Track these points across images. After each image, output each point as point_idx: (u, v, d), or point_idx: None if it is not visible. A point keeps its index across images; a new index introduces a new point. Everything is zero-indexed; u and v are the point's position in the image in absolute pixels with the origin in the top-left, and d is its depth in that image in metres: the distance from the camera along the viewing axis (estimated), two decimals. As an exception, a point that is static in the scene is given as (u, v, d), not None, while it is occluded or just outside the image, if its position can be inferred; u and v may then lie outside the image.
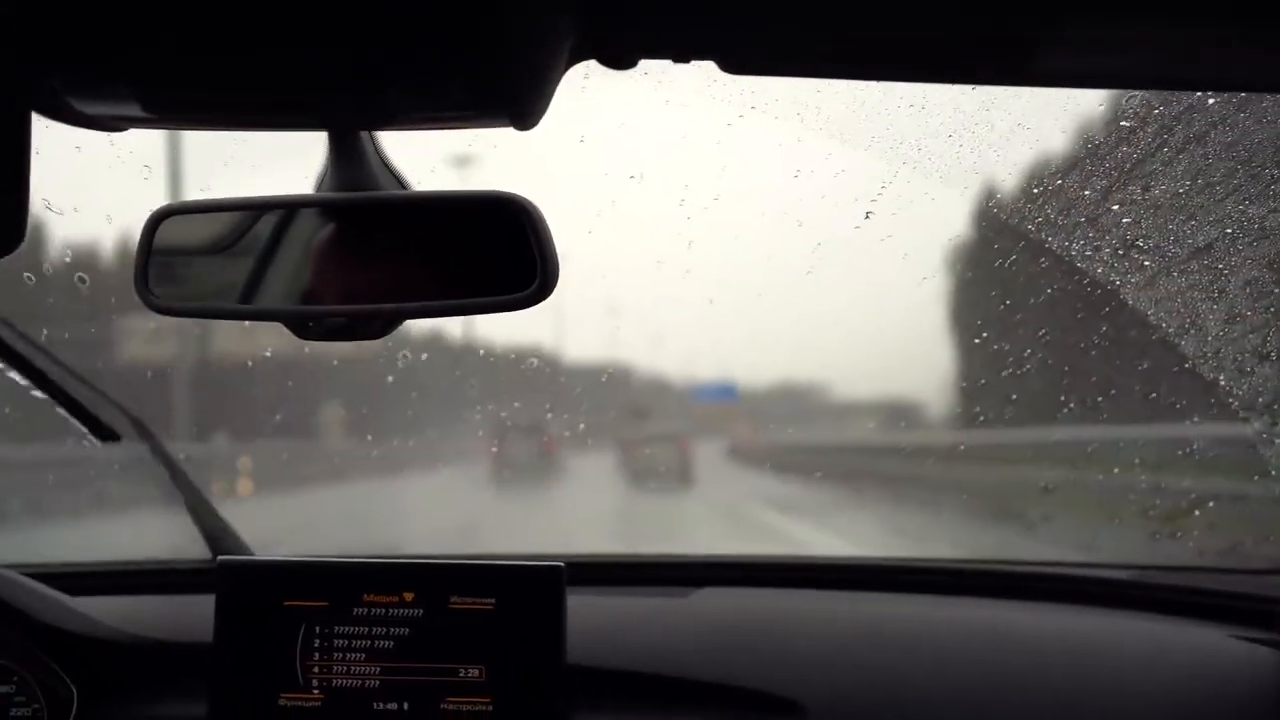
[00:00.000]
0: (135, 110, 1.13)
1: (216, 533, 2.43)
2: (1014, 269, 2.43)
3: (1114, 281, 2.08)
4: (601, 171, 2.49)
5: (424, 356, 4.10)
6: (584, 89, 1.38)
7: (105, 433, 2.35)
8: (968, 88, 1.56)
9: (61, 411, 2.32)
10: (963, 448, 6.61)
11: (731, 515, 12.30)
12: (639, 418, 15.01)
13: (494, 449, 12.79)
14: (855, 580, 2.37)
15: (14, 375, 2.24)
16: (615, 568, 2.44)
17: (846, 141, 1.89)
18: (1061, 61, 1.21)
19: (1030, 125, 1.80)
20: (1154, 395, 2.63)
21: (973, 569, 2.39)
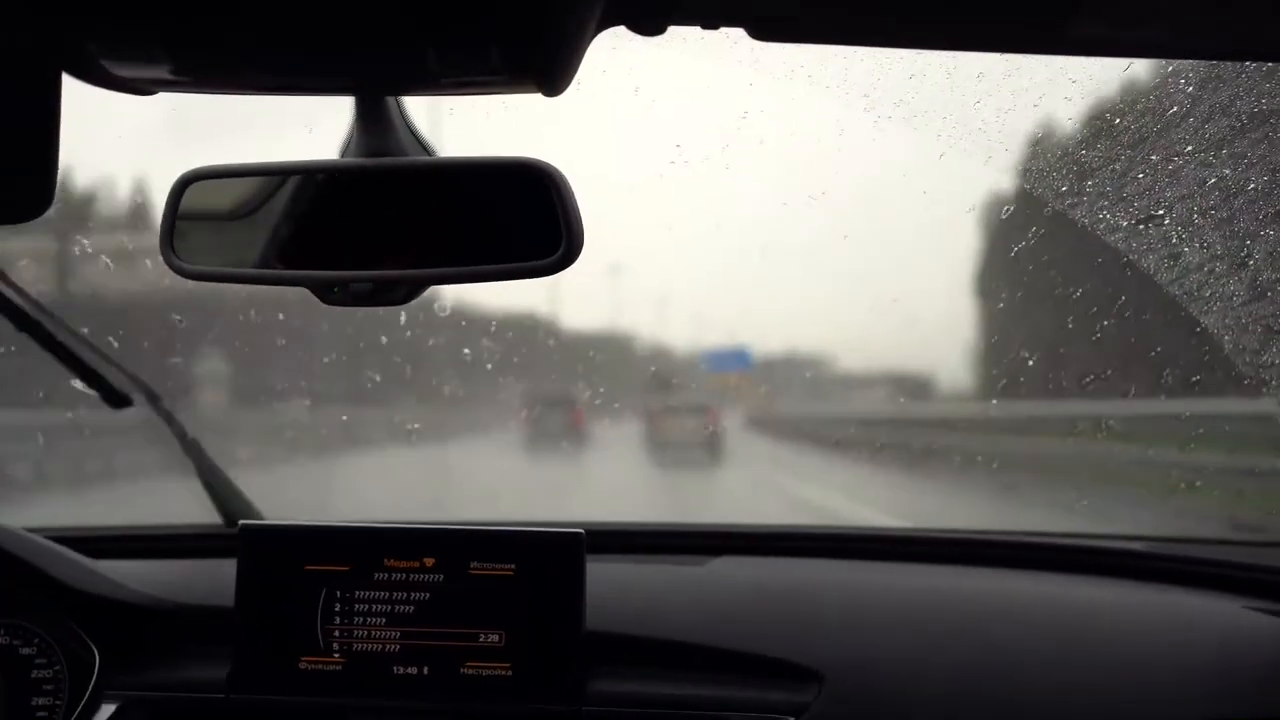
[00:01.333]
0: (166, 73, 1.13)
1: (228, 498, 2.44)
2: (1036, 241, 2.42)
3: (1136, 251, 2.07)
4: (619, 135, 2.48)
5: (457, 318, 4.11)
6: (611, 53, 1.37)
7: (117, 399, 2.36)
8: (995, 55, 1.55)
9: (77, 382, 2.33)
10: (985, 418, 6.54)
11: (771, 490, 11.60)
12: (664, 387, 14.38)
13: (526, 419, 12.20)
14: (875, 550, 2.37)
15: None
16: (634, 535, 2.44)
17: (871, 109, 1.88)
18: (1094, 29, 1.20)
19: (1055, 94, 1.80)
20: (1176, 370, 2.62)
21: (992, 540, 2.39)
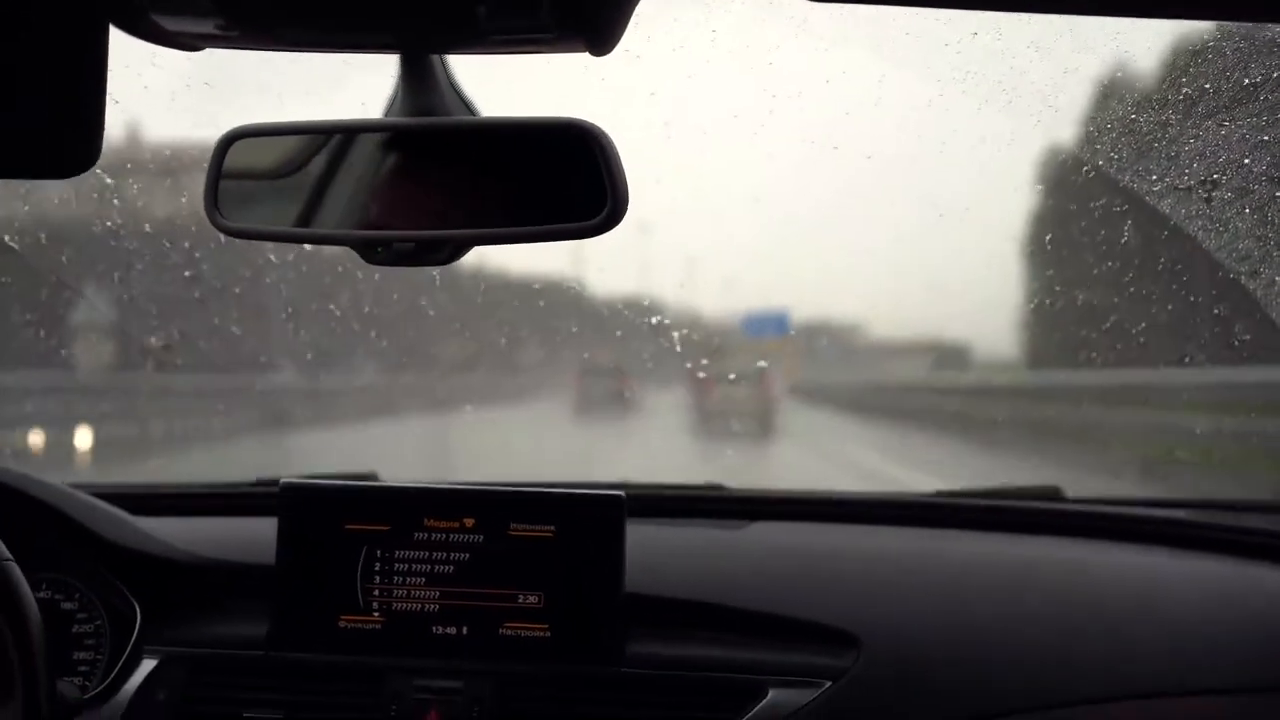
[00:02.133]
0: (212, 27, 1.12)
1: None
2: (1082, 206, 2.39)
3: (1184, 217, 2.04)
4: (650, 92, 2.47)
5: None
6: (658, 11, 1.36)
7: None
8: (1049, 17, 1.53)
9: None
10: (1033, 388, 6.43)
11: (833, 460, 11.06)
12: (712, 352, 13.96)
13: (577, 387, 11.97)
14: (912, 516, 2.36)
15: None
16: (673, 499, 2.44)
17: (918, 72, 1.86)
18: None
19: (1103, 57, 1.77)
20: (1226, 338, 2.60)
21: (1033, 507, 2.38)
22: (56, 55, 1.16)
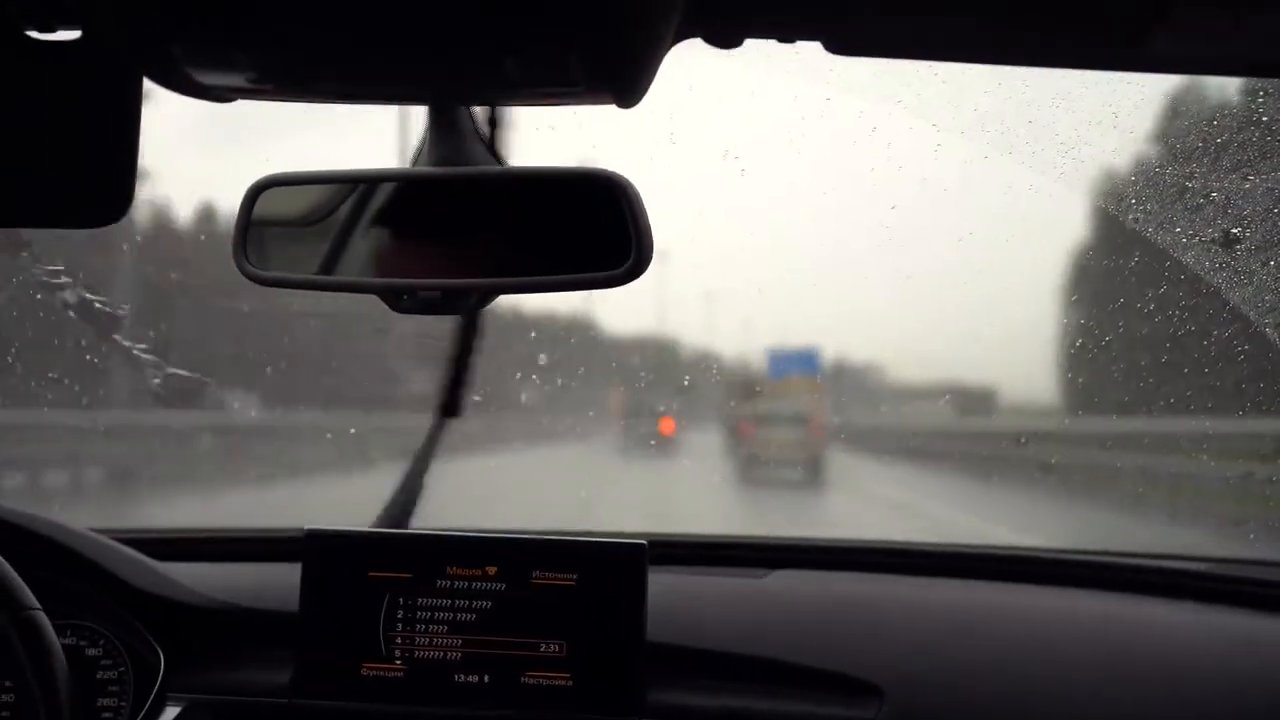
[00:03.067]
0: (244, 80, 1.14)
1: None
2: (1106, 258, 2.39)
3: (1207, 269, 2.04)
4: (673, 142, 2.48)
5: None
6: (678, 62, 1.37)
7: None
8: (1070, 73, 1.54)
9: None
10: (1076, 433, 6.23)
11: (907, 513, 9.83)
12: (750, 393, 12.05)
13: (620, 427, 11.19)
14: (935, 566, 2.36)
15: None
16: (695, 547, 2.44)
17: (938, 124, 1.87)
18: (1173, 47, 1.19)
19: (1125, 113, 1.78)
20: (1247, 387, 2.59)
21: (1054, 558, 2.37)
22: (91, 108, 1.18)
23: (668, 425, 10.14)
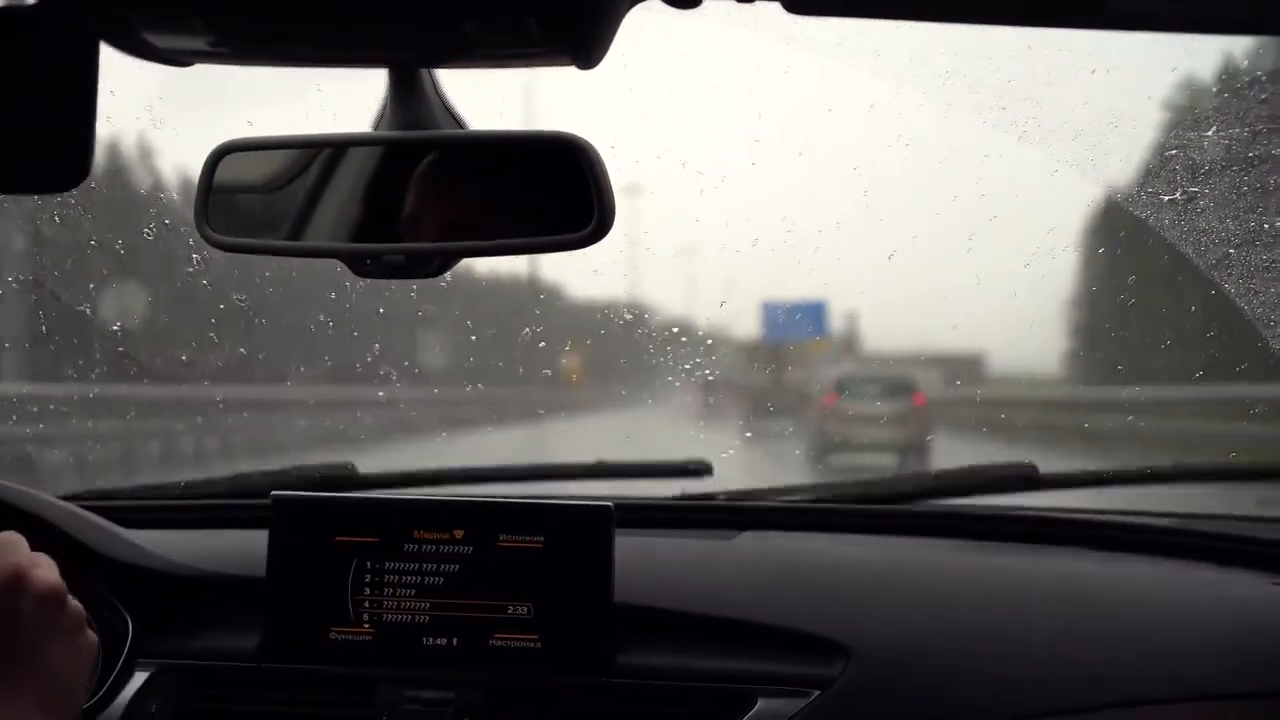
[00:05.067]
0: (203, 43, 1.13)
1: None
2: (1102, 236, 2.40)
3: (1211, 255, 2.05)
4: (644, 109, 2.48)
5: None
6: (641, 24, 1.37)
7: None
8: (1052, 40, 1.54)
9: None
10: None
11: None
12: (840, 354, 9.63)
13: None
14: (901, 525, 2.37)
15: None
16: (661, 509, 2.45)
17: (906, 87, 1.87)
18: (1132, 4, 1.19)
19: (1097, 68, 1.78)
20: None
21: (1021, 515, 2.39)
22: (48, 72, 1.17)
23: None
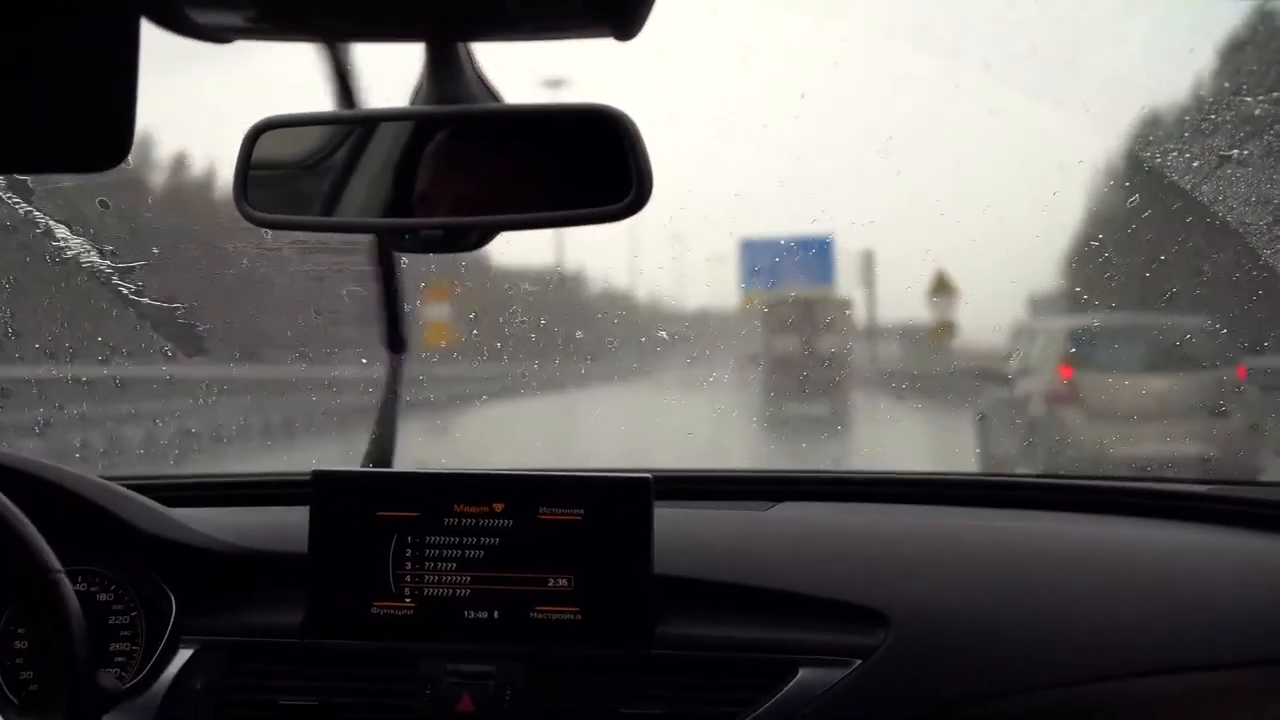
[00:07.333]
0: (243, 20, 1.14)
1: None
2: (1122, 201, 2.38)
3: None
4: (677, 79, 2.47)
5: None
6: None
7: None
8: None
9: None
10: None
11: None
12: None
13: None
14: (937, 495, 2.37)
15: None
16: (700, 481, 2.45)
17: (924, 47, 1.86)
18: None
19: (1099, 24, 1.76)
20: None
21: (1058, 484, 2.39)
22: (88, 49, 1.17)
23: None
